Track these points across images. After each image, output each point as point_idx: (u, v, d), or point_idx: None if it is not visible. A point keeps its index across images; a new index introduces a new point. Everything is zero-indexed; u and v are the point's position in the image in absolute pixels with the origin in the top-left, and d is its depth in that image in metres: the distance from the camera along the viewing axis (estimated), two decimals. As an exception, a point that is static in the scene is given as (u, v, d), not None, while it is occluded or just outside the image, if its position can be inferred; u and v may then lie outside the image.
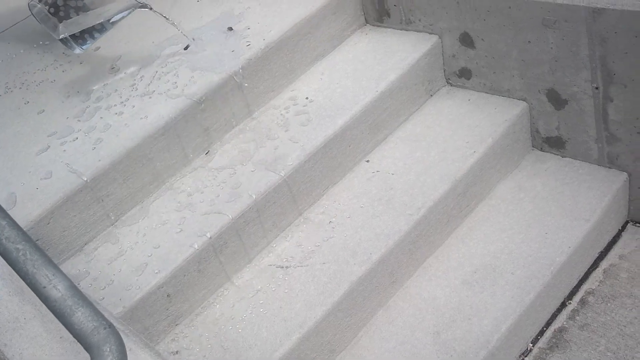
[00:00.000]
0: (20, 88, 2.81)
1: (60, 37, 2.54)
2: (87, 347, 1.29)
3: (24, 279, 1.30)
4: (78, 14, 2.52)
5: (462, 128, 2.57)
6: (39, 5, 2.53)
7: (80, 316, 1.22)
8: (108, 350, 1.26)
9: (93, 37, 2.63)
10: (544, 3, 2.23)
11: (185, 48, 2.70)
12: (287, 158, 2.37)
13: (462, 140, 2.51)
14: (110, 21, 2.58)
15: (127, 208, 2.37)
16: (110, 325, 1.23)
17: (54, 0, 2.53)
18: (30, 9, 2.59)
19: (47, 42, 3.09)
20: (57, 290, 1.25)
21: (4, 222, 1.34)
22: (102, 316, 1.24)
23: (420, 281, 2.35)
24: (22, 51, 3.10)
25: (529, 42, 2.37)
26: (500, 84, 2.60)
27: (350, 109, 2.49)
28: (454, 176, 2.39)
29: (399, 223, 2.29)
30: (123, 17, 2.58)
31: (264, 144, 2.46)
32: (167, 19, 2.60)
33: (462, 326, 2.16)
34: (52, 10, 2.52)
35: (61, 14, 2.52)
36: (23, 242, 1.30)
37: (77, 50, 2.65)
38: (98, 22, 2.56)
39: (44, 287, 1.25)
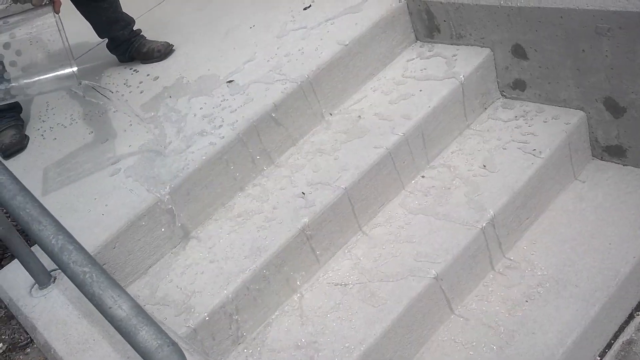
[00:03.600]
0: (84, 119, 2.93)
1: None
2: (152, 364, 1.33)
3: (90, 300, 1.37)
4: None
5: (519, 140, 2.54)
6: None
7: (145, 334, 1.27)
8: (172, 366, 1.30)
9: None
10: (597, 11, 2.20)
11: (229, 82, 2.75)
12: (345, 174, 2.40)
13: (519, 151, 2.49)
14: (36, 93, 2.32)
15: (190, 229, 2.44)
16: (174, 343, 1.27)
17: None
18: None
19: (109, 75, 3.21)
20: (122, 310, 1.30)
21: (71, 247, 1.41)
22: (165, 334, 1.28)
23: (482, 296, 2.32)
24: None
25: (583, 50, 2.34)
26: (555, 94, 2.57)
27: (403, 125, 2.50)
28: (512, 188, 2.37)
29: (457, 237, 2.28)
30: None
31: (317, 164, 2.50)
32: (109, 98, 2.45)
33: (525, 340, 2.13)
34: None
35: None
36: (89, 265, 1.37)
37: None
38: (23, 94, 2.27)
39: (110, 308, 1.31)
